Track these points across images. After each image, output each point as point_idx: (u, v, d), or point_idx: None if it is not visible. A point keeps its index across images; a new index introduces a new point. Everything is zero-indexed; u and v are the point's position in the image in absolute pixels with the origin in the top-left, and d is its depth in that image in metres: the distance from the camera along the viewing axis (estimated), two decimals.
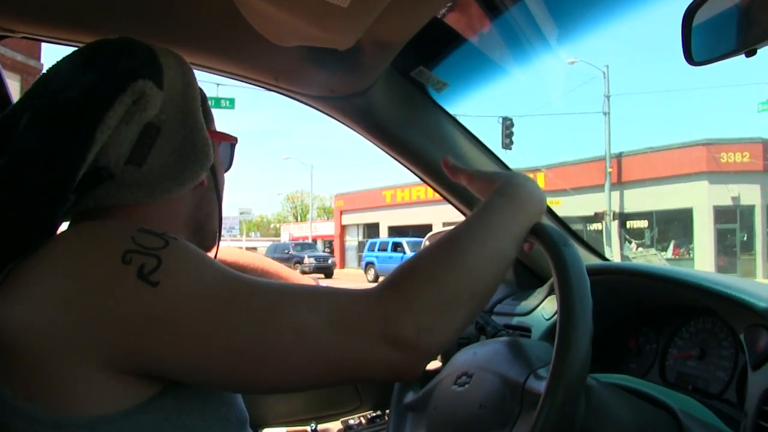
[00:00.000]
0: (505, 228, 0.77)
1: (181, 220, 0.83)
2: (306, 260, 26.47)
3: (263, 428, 1.46)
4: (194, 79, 0.86)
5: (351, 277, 26.65)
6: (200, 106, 0.84)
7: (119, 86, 0.73)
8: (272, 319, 0.64)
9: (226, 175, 0.96)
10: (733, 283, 0.94)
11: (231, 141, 0.94)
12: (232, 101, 18.80)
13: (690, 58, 0.79)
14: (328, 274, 26.12)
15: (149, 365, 0.64)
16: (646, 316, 1.21)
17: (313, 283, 1.56)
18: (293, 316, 0.65)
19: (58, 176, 0.70)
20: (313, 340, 0.64)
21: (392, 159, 1.52)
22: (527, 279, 1.53)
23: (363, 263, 26.37)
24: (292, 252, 28.49)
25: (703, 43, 0.78)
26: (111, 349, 0.61)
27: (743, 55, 0.70)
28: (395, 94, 1.41)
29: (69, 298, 0.62)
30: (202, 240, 0.89)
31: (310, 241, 37.65)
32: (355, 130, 1.46)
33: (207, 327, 0.63)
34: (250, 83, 1.38)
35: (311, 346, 0.64)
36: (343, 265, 34.27)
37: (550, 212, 1.50)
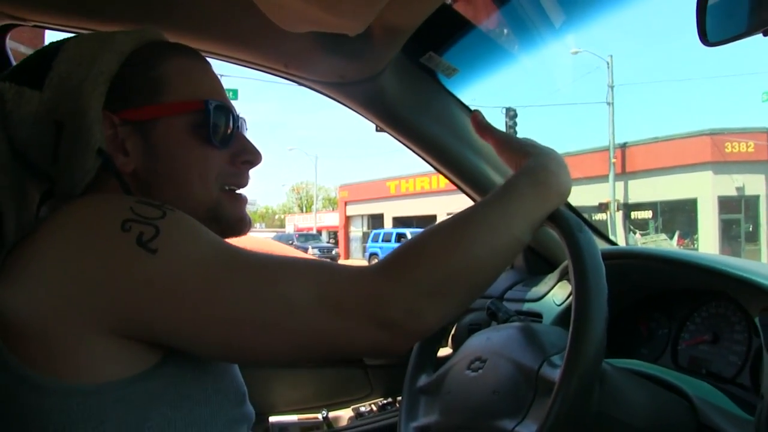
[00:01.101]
0: (524, 217, 0.74)
1: None
2: (310, 251, 26.48)
3: (275, 415, 1.47)
4: (108, 59, 0.78)
5: None
6: (98, 89, 0.77)
7: None
8: (265, 290, 0.65)
9: None
10: (747, 266, 0.94)
11: (193, 107, 0.81)
12: (235, 92, 18.78)
13: (705, 38, 0.77)
14: None
15: (147, 331, 0.65)
16: (657, 300, 1.20)
17: None
18: (285, 290, 0.65)
19: None
20: (302, 315, 0.65)
21: (402, 146, 1.52)
22: (537, 265, 1.53)
23: (366, 254, 26.38)
24: (296, 243, 28.49)
25: (718, 22, 0.76)
26: (112, 313, 0.63)
27: (761, 35, 0.69)
28: (405, 79, 1.40)
29: (70, 266, 0.63)
30: None
31: (314, 232, 37.70)
32: (365, 117, 1.46)
33: (201, 295, 0.64)
34: (259, 70, 1.37)
35: (299, 320, 0.65)
36: (347, 256, 34.30)
37: None
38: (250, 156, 0.86)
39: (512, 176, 0.78)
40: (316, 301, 0.65)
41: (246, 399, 0.82)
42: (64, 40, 0.82)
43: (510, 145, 0.84)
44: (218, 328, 0.65)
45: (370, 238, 26.93)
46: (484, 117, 0.88)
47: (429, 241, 0.71)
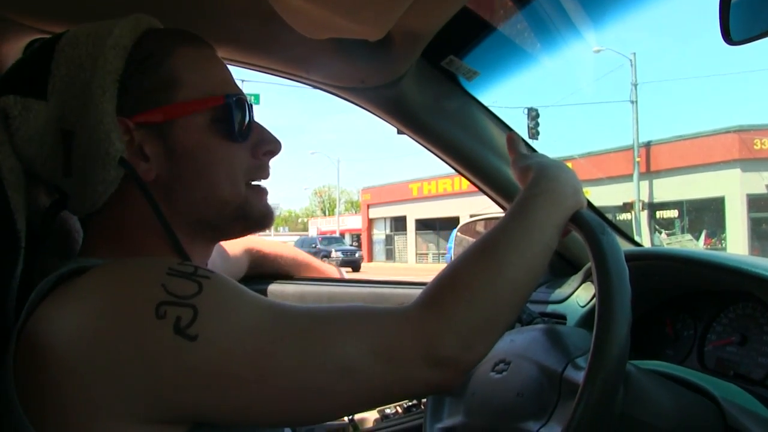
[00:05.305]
0: (544, 224, 0.76)
1: (150, 225, 0.74)
2: (333, 254, 26.55)
3: None
4: (112, 57, 0.73)
5: (378, 270, 26.63)
6: (108, 92, 0.72)
7: None
8: (316, 357, 0.63)
9: None
10: None
11: (212, 103, 0.76)
12: (257, 97, 18.92)
13: (728, 36, 0.77)
14: (356, 267, 26.11)
15: (190, 416, 0.62)
16: (683, 301, 1.19)
17: (336, 274, 1.56)
18: (337, 352, 0.63)
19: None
20: (358, 375, 0.64)
21: (423, 150, 1.52)
22: (560, 266, 1.52)
23: (447, 257, 25.58)
24: (319, 246, 28.60)
25: (743, 20, 0.75)
26: (149, 405, 0.59)
27: None
28: (426, 83, 1.40)
29: (104, 354, 0.59)
30: (213, 234, 0.81)
31: (337, 235, 37.83)
32: (386, 121, 1.46)
33: (250, 373, 0.61)
34: (281, 76, 1.39)
35: (357, 381, 0.64)
36: (370, 259, 34.34)
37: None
38: (270, 146, 0.82)
39: (520, 194, 0.80)
40: (369, 356, 0.64)
41: None
42: (55, 38, 0.76)
43: (518, 162, 0.86)
44: (269, 403, 0.63)
45: (451, 239, 25.91)
46: (516, 138, 0.92)
47: (464, 275, 0.72)
